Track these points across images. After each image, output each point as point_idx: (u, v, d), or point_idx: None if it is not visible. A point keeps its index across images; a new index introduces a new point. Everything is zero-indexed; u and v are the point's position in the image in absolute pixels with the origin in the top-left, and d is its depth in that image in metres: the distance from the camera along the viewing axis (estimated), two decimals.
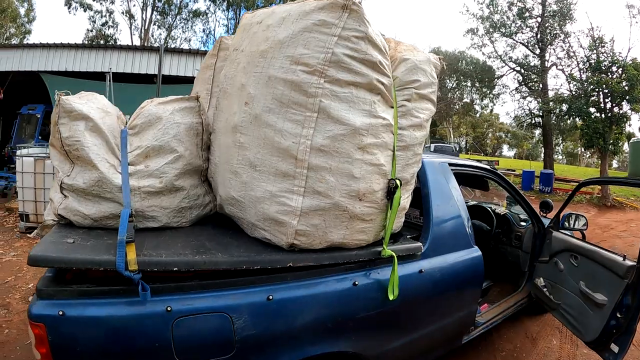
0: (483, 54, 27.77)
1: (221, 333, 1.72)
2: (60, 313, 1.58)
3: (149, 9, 33.37)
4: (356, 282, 2.05)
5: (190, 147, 2.25)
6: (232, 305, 1.75)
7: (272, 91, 1.86)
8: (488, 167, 3.53)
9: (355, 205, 1.91)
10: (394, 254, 2.06)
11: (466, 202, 4.56)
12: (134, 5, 33.23)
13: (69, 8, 31.60)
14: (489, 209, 4.47)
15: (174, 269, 1.69)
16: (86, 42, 16.21)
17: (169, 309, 1.65)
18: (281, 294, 1.85)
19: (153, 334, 1.64)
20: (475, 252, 2.78)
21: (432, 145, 24.28)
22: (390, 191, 2.02)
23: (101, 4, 32.64)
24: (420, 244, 2.38)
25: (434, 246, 2.50)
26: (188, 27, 34.76)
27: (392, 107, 2.07)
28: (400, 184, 2.05)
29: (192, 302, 1.70)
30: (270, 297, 1.81)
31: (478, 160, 5.39)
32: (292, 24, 1.87)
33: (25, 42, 19.90)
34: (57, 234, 1.97)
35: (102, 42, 27.64)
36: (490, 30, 24.67)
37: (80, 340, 1.60)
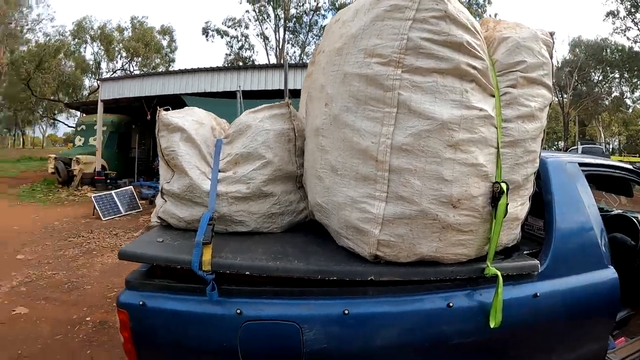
0: (628, 38, 24.45)
1: (289, 343, 1.64)
2: (141, 303, 1.72)
3: (281, 30, 35.63)
4: (451, 304, 1.75)
5: (280, 153, 2.22)
6: (304, 315, 1.65)
7: (349, 89, 1.71)
8: (631, 167, 2.92)
9: (448, 213, 1.64)
10: (498, 272, 1.73)
11: (608, 211, 3.91)
12: (266, 29, 35.99)
13: (206, 36, 35.33)
14: (635, 220, 3.73)
15: (246, 273, 1.69)
16: (222, 65, 17.93)
17: (238, 311, 1.65)
18: (359, 309, 1.67)
19: (221, 335, 1.67)
20: (610, 274, 2.24)
21: (580, 147, 22.09)
22: (495, 197, 1.70)
23: (236, 29, 36.04)
24: (537, 261, 1.95)
25: (556, 265, 2.05)
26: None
27: (492, 96, 1.75)
28: (508, 188, 1.71)
29: (263, 307, 1.67)
30: (347, 312, 1.65)
31: (631, 163, 4.61)
32: (364, 15, 1.70)
33: (169, 69, 22.44)
34: (153, 234, 2.16)
35: (240, 64, 30.05)
36: (632, 10, 21.62)
37: (157, 330, 1.74)
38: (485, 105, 1.69)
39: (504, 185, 1.68)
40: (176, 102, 12.33)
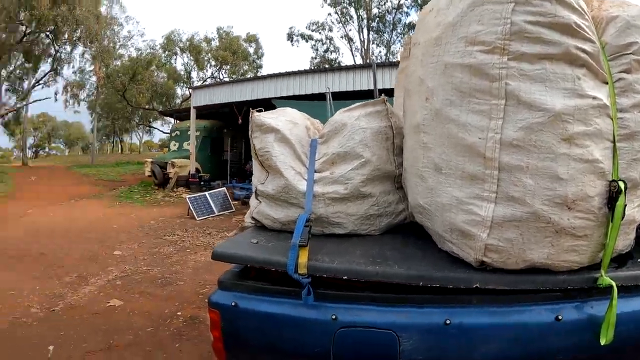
0: None
1: (385, 352, 1.57)
2: (234, 304, 1.74)
3: (365, 30, 35.75)
4: (560, 316, 1.56)
5: (378, 152, 2.14)
6: (402, 323, 1.56)
7: (451, 80, 1.60)
8: None
9: (562, 215, 1.48)
10: (613, 283, 1.52)
11: None
12: (350, 30, 36.27)
13: (291, 42, 36.46)
14: None
15: (343, 277, 1.62)
16: (309, 68, 18.41)
17: (334, 317, 1.60)
18: (462, 319, 1.55)
19: (314, 340, 1.63)
20: None
21: None
22: (612, 197, 1.50)
23: (320, 33, 36.59)
24: None
25: None
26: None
27: (605, 83, 1.55)
28: (626, 187, 1.50)
29: (360, 314, 1.61)
30: (448, 321, 1.54)
31: None
32: (460, 1, 1.59)
33: (258, 75, 23.35)
34: (247, 235, 2.17)
35: (326, 66, 30.46)
36: None
37: (247, 331, 1.74)
38: (599, 94, 1.50)
39: (621, 184, 1.49)
40: (266, 106, 12.79)
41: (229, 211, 12.08)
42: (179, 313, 4.84)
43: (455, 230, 1.65)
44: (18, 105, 34.11)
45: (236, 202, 12.91)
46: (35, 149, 65.87)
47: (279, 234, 2.15)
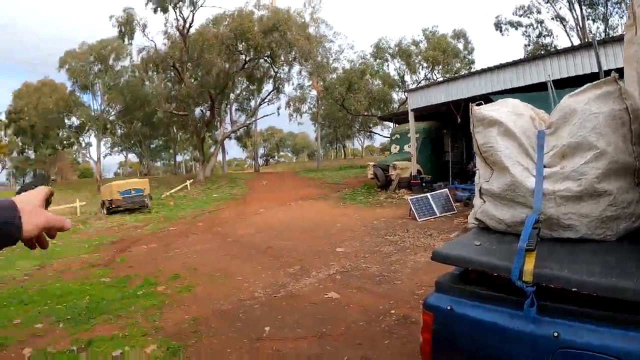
0: None
1: None
2: (449, 308, 1.70)
3: (577, 6, 31.78)
4: None
5: (614, 140, 1.80)
6: (632, 351, 1.28)
7: None
8: None
9: None
10: None
11: None
12: (560, 8, 32.45)
13: (500, 31, 34.85)
14: None
15: (573, 289, 1.42)
16: (525, 57, 17.00)
17: (555, 334, 1.41)
18: None
19: (530, 356, 1.47)
20: None
21: None
22: None
23: (528, 17, 34.10)
24: None
25: None
26: (623, 11, 29.85)
27: None
28: None
29: (584, 334, 1.38)
30: None
31: None
32: None
33: (471, 71, 22.63)
34: (470, 236, 2.10)
35: (542, 52, 27.70)
36: None
37: (459, 337, 1.69)
38: None
39: None
40: (484, 102, 12.29)
41: (451, 213, 11.86)
42: (392, 311, 4.93)
43: None
44: (247, 122, 41.46)
45: (458, 204, 12.62)
46: (266, 158, 77.29)
47: (504, 235, 2.01)
